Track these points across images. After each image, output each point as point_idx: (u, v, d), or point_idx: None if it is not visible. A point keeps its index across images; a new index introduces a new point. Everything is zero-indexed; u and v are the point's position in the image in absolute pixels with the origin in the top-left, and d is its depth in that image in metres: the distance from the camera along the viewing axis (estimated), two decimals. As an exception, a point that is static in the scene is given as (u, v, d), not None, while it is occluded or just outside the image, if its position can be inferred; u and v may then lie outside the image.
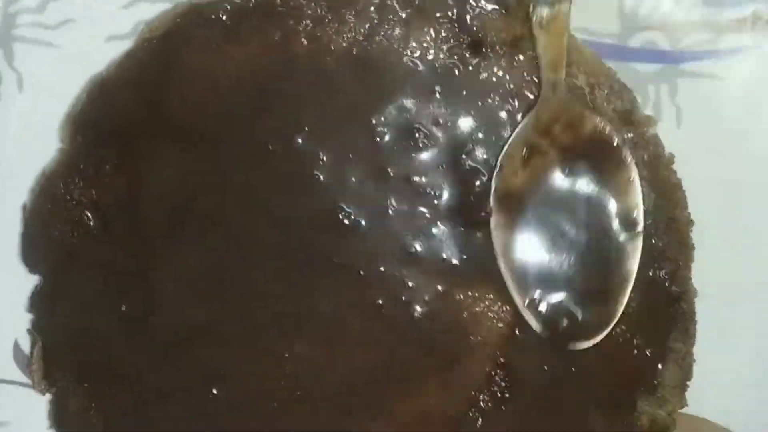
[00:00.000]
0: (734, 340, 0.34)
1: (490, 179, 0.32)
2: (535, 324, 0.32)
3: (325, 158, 0.33)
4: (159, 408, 0.34)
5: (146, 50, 0.35)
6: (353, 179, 0.32)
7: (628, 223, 0.31)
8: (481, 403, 0.32)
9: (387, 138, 0.33)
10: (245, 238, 0.33)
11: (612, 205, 0.31)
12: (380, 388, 0.32)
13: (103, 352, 0.35)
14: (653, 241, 0.32)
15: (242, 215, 0.33)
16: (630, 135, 0.31)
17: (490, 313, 0.32)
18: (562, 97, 0.31)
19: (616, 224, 0.31)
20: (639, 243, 0.31)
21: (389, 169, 0.33)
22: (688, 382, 0.32)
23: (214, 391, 0.33)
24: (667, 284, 0.31)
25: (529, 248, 0.32)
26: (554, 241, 0.32)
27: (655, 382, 0.32)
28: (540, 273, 0.32)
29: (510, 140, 0.32)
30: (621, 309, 0.31)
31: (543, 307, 0.32)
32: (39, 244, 0.36)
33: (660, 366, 0.32)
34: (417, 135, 0.33)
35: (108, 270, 0.35)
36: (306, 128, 0.33)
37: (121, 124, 0.34)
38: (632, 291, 0.31)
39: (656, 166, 0.31)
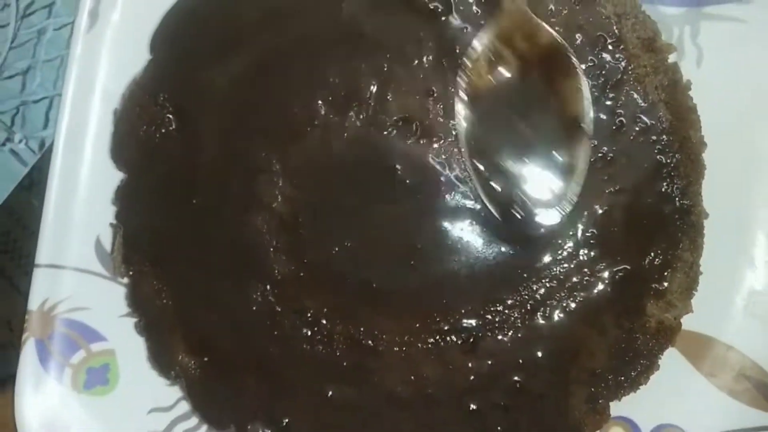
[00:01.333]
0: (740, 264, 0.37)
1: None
2: (495, 212, 0.35)
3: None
4: (221, 287, 0.39)
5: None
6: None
7: (575, 127, 0.34)
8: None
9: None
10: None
11: (562, 109, 0.34)
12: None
13: (174, 240, 0.40)
14: (667, 159, 0.35)
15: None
16: (652, 61, 0.34)
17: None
18: (522, 8, 0.35)
19: (565, 126, 0.34)
20: (586, 145, 0.34)
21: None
22: (694, 291, 0.35)
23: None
24: (678, 198, 0.34)
25: (490, 143, 0.35)
26: (512, 139, 0.35)
27: (664, 287, 0.35)
28: (498, 166, 0.35)
29: (473, 44, 0.35)
30: (571, 202, 0.34)
31: (502, 198, 0.35)
32: (126, 143, 0.41)
33: (669, 273, 0.35)
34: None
35: (183, 167, 0.39)
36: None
37: (201, 39, 0.39)
38: (646, 202, 0.35)
39: (674, 91, 0.34)
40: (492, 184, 0.35)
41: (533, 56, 0.35)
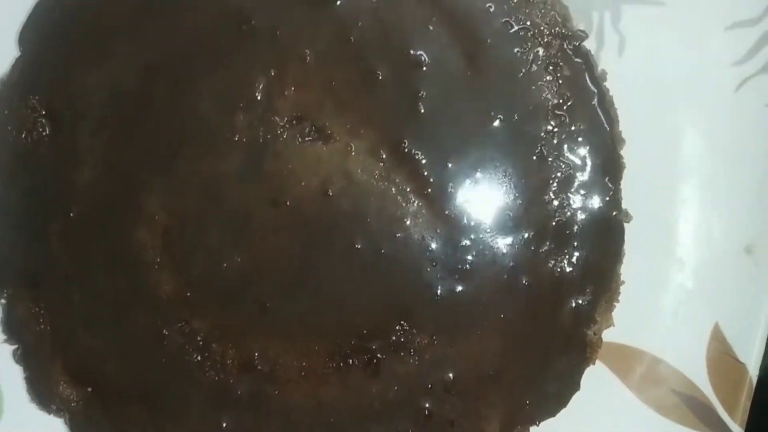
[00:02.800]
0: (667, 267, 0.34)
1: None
2: None
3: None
4: (103, 309, 0.35)
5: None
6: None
7: None
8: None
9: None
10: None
11: None
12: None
13: (51, 258, 0.35)
14: (586, 163, 0.32)
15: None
16: (565, 48, 0.31)
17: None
18: None
19: None
20: None
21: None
22: (615, 302, 0.32)
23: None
24: (599, 202, 0.32)
25: None
26: None
27: (582, 300, 0.32)
28: None
29: None
30: None
31: None
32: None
33: (587, 285, 0.32)
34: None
35: (59, 177, 0.36)
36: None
37: (70, 31, 0.35)
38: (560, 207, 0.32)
39: (584, 79, 0.31)
40: None
41: None
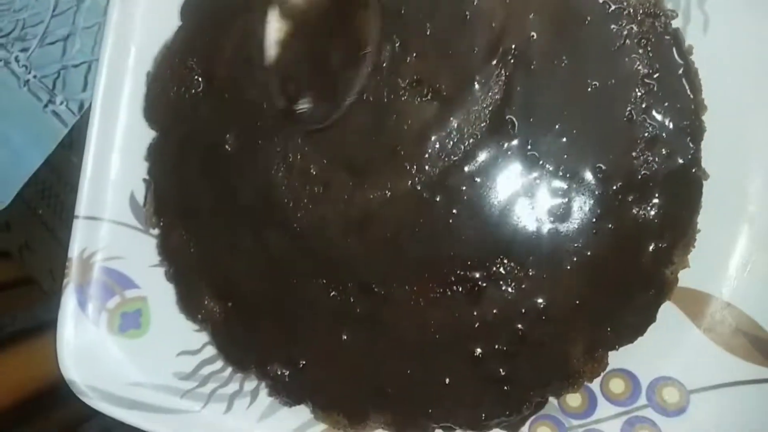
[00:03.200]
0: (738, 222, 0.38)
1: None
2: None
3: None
4: (242, 237, 0.41)
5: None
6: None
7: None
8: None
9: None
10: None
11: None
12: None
13: (200, 193, 0.42)
14: (671, 125, 0.36)
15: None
16: (655, 25, 0.36)
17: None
18: None
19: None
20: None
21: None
22: (692, 247, 0.36)
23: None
24: (681, 159, 0.36)
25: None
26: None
27: (663, 243, 0.36)
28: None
29: None
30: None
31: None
32: (158, 103, 0.43)
33: (667, 229, 0.36)
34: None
35: (209, 126, 0.42)
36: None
37: (224, 10, 0.41)
38: (648, 161, 0.36)
39: (672, 53, 0.36)
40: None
41: None
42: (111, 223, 0.45)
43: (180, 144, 0.43)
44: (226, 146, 0.41)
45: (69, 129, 0.51)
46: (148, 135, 0.44)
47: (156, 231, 0.44)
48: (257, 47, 0.40)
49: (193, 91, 0.42)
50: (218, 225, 0.42)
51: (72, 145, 0.51)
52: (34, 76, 0.51)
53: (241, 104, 0.41)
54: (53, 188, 0.51)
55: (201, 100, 0.42)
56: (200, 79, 0.42)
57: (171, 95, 0.43)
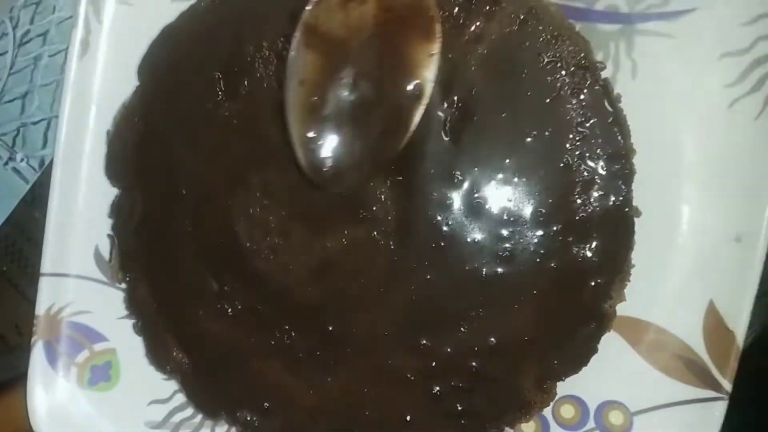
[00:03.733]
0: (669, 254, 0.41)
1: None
2: (302, 160, 0.36)
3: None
4: (205, 292, 0.42)
5: (204, 8, 0.43)
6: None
7: (415, 90, 0.35)
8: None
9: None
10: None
11: (407, 70, 0.35)
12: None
13: (164, 249, 0.43)
14: (604, 170, 0.39)
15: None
16: (586, 76, 0.39)
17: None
18: None
19: (405, 86, 0.35)
20: (420, 110, 0.35)
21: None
22: (627, 281, 0.39)
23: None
24: (613, 197, 0.39)
25: (318, 86, 0.35)
26: (343, 86, 0.35)
27: (601, 280, 0.39)
28: (320, 114, 0.35)
29: None
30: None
31: (315, 147, 0.36)
32: (119, 161, 0.44)
33: (605, 267, 0.39)
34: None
35: (169, 184, 0.44)
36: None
37: (189, 64, 0.42)
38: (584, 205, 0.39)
39: (603, 102, 0.39)
40: (309, 131, 0.36)
41: (394, 8, 0.34)
42: (77, 278, 0.46)
43: (142, 200, 0.44)
44: (185, 201, 0.43)
45: (31, 185, 0.51)
46: (110, 191, 0.45)
47: (123, 285, 0.45)
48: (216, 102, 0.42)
49: (153, 148, 0.44)
50: (182, 278, 0.43)
51: (34, 201, 0.51)
52: (-7, 134, 0.51)
53: (199, 159, 0.43)
54: (16, 244, 0.52)
55: (161, 158, 0.44)
56: (160, 136, 0.44)
57: (131, 153, 0.44)
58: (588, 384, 0.41)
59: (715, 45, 0.40)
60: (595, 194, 0.39)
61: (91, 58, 0.45)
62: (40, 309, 0.45)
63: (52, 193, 0.45)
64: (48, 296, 0.45)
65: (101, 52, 0.45)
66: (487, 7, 0.39)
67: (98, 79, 0.45)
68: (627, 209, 0.39)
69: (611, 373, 0.41)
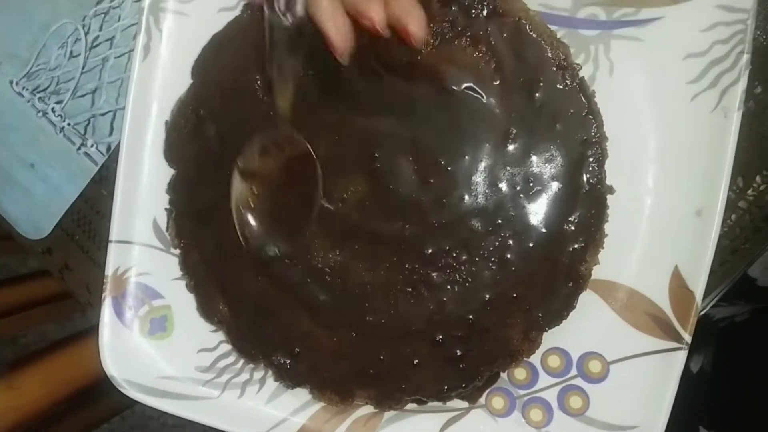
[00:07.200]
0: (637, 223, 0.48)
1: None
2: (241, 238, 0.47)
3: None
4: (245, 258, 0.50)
5: (247, 18, 0.51)
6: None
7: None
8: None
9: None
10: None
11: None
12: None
13: (210, 220, 0.51)
14: (583, 156, 0.46)
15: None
16: (566, 75, 0.45)
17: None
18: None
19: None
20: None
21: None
22: (601, 248, 0.46)
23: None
24: (588, 177, 0.45)
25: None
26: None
27: (578, 246, 0.46)
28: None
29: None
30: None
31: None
32: (175, 146, 0.52)
33: (582, 236, 0.46)
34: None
35: (217, 165, 0.52)
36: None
37: (231, 66, 0.51)
38: (564, 183, 0.46)
39: (579, 96, 0.45)
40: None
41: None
42: (139, 245, 0.54)
43: (195, 180, 0.53)
44: (226, 180, 0.51)
45: (99, 167, 0.60)
46: (168, 172, 0.54)
47: (177, 251, 0.54)
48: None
49: (204, 137, 0.52)
50: (226, 244, 0.51)
51: (102, 180, 0.60)
52: (68, 124, 0.60)
53: (239, 146, 0.51)
54: (87, 217, 0.61)
55: (210, 143, 0.52)
56: (209, 125, 0.52)
57: (186, 140, 0.53)
58: (571, 337, 0.48)
59: (679, 48, 0.46)
60: (575, 174, 0.46)
61: (152, 60, 0.53)
62: (109, 270, 0.53)
63: (119, 173, 0.53)
64: (115, 260, 0.53)
65: (160, 55, 0.53)
66: (480, 25, 0.46)
67: (158, 78, 0.53)
68: (600, 187, 0.46)
69: (591, 327, 0.48)
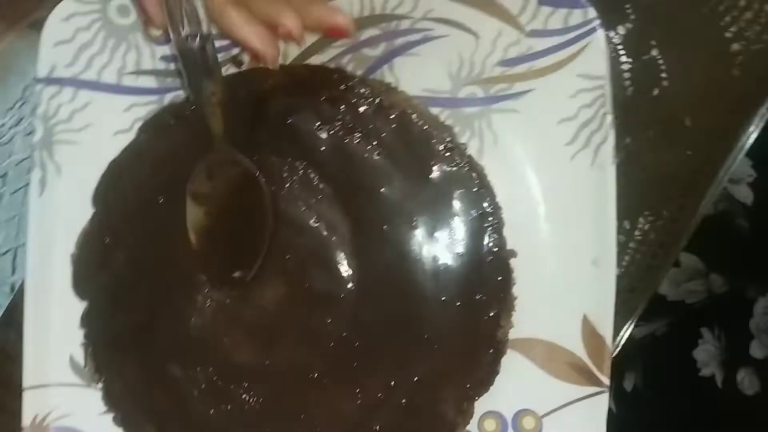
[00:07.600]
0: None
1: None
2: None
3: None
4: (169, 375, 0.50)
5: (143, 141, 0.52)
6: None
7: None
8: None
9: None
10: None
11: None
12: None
13: (128, 348, 0.51)
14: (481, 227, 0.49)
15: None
16: (454, 156, 0.49)
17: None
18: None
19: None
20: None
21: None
22: (513, 312, 0.49)
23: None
24: (490, 246, 0.48)
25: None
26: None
27: (492, 314, 0.49)
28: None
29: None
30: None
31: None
32: (85, 278, 0.51)
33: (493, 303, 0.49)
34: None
35: (131, 289, 0.51)
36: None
37: (132, 190, 0.51)
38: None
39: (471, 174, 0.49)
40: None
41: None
42: (57, 386, 0.52)
43: (110, 309, 0.52)
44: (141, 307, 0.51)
45: (4, 310, 0.58)
46: (78, 305, 0.52)
47: (99, 385, 0.52)
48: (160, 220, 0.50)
49: (114, 265, 0.52)
50: (149, 372, 0.51)
51: (10, 323, 0.58)
52: (-34, 269, 0.58)
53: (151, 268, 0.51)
54: (-2, 364, 0.58)
55: (121, 269, 0.52)
56: (118, 251, 0.52)
57: (95, 270, 0.52)
58: (502, 398, 0.49)
59: (552, 114, 0.50)
60: (476, 245, 0.49)
61: (50, 193, 0.52)
62: (26, 421, 0.51)
63: (26, 314, 0.51)
64: (31, 408, 0.51)
65: (58, 188, 0.52)
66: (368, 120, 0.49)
67: (58, 211, 0.52)
68: (502, 253, 0.49)
69: (519, 385, 0.50)
